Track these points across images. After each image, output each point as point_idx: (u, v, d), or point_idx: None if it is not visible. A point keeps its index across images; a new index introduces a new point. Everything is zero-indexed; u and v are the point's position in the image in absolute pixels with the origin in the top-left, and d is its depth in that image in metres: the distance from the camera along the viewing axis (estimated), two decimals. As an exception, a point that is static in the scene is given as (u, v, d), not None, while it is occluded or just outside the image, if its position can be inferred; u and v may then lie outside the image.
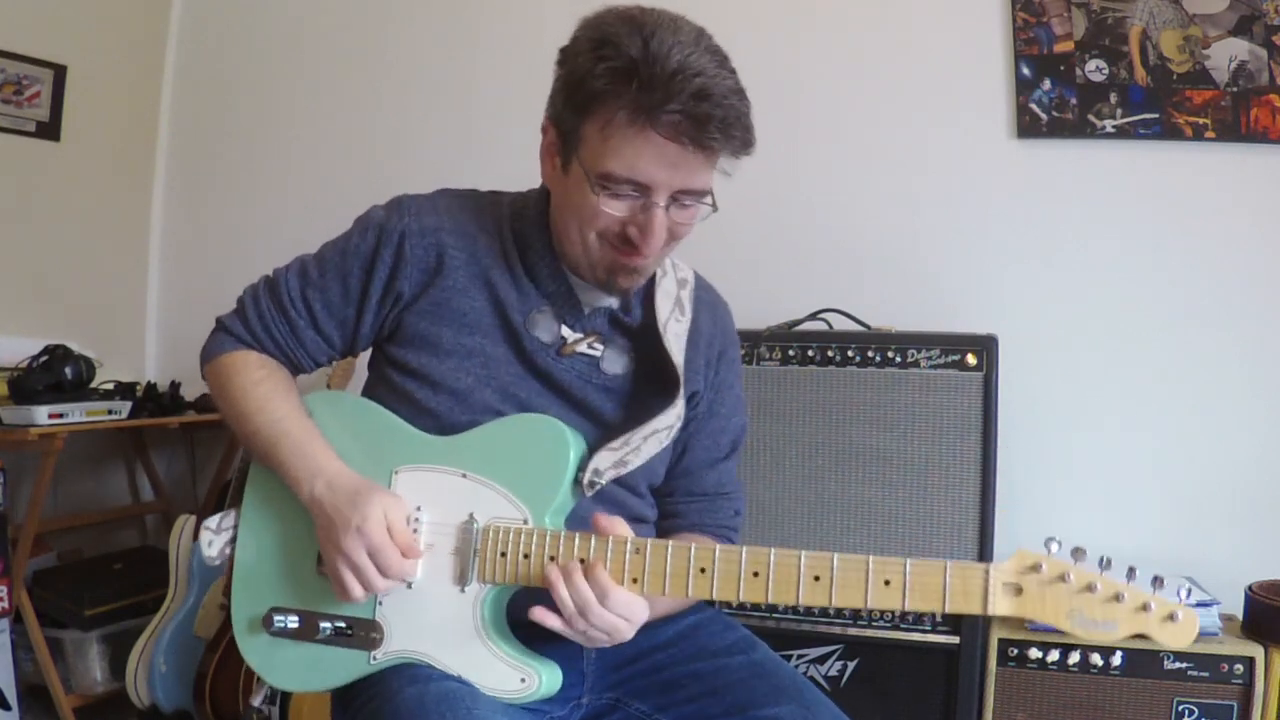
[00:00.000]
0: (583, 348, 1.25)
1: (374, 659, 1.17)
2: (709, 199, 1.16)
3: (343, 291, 1.26)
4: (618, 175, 1.10)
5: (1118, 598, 1.00)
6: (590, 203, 1.13)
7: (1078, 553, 1.02)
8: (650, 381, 1.27)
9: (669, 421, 1.23)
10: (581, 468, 1.17)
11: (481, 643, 1.14)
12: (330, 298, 1.26)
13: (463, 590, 1.15)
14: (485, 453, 1.18)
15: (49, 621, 2.45)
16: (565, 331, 1.25)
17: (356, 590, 1.13)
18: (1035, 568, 1.02)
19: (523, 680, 1.12)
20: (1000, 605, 1.02)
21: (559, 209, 1.21)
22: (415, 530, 1.18)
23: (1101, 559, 1.02)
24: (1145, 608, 1.01)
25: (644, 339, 1.28)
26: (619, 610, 1.09)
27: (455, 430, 1.21)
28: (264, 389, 1.25)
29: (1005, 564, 1.03)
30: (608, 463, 1.19)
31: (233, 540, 1.28)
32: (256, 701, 1.40)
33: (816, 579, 1.06)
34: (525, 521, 1.15)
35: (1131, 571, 1.03)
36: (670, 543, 1.10)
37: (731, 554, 1.08)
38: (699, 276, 1.37)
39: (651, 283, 1.28)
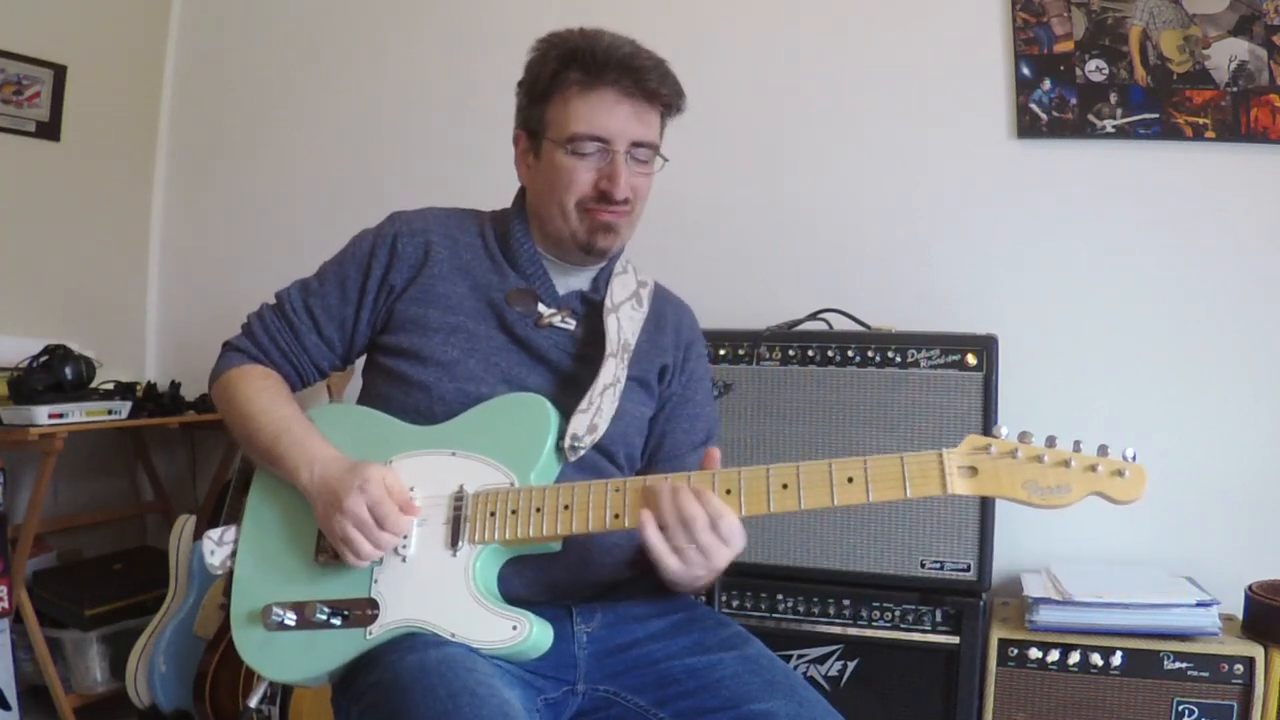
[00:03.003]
0: (557, 321, 1.36)
1: (370, 634, 1.20)
2: (659, 154, 1.35)
3: (340, 294, 1.38)
4: (582, 134, 1.29)
5: (1066, 463, 1.06)
6: (564, 170, 1.30)
7: (1024, 435, 1.08)
8: (601, 347, 1.37)
9: (608, 379, 1.31)
10: (561, 435, 1.26)
11: (473, 599, 1.18)
12: (329, 302, 1.39)
13: (454, 554, 1.21)
14: (472, 432, 1.27)
15: (49, 621, 2.45)
16: (541, 308, 1.36)
17: (362, 545, 1.19)
18: (985, 448, 1.08)
19: (514, 628, 1.16)
20: (958, 486, 1.08)
21: (539, 195, 1.37)
22: None
23: (1047, 438, 1.08)
24: (1093, 468, 1.06)
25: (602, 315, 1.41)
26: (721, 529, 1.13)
27: (444, 399, 1.30)
28: (267, 395, 1.35)
29: (957, 448, 1.09)
30: (583, 426, 1.27)
31: (233, 555, 1.32)
32: (254, 702, 1.40)
33: (784, 486, 1.13)
34: (512, 484, 1.23)
35: (1077, 445, 1.08)
36: (649, 477, 1.17)
37: (705, 478, 1.16)
38: (659, 284, 1.51)
39: (613, 273, 1.42)
